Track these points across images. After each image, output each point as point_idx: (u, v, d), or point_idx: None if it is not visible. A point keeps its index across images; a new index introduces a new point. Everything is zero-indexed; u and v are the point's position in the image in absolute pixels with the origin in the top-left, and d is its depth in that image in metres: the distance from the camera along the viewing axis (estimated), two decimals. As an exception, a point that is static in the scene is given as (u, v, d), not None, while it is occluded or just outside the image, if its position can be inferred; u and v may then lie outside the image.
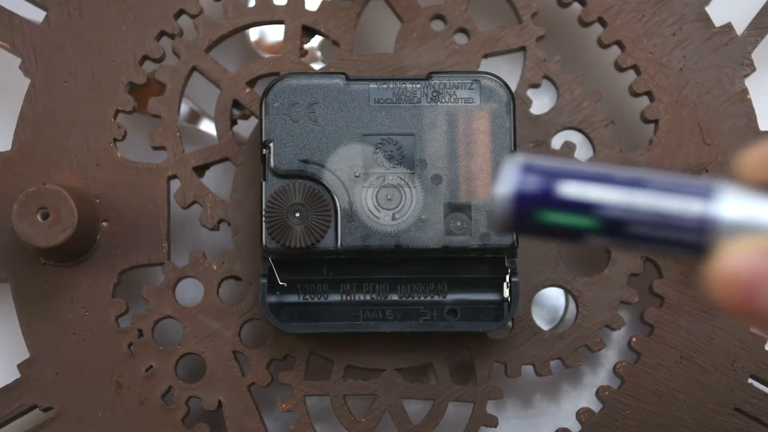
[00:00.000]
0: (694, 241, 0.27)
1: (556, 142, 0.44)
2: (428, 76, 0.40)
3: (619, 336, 0.47)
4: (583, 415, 0.43)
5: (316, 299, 0.42)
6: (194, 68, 0.44)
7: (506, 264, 0.41)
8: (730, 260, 0.25)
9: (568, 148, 0.44)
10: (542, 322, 0.45)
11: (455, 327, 0.41)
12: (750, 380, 0.43)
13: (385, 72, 0.44)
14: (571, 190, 0.29)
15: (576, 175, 0.28)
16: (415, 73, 0.44)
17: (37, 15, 0.45)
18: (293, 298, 0.41)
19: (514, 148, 0.40)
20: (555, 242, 0.34)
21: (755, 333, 0.42)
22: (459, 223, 0.40)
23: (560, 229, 0.29)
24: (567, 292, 0.44)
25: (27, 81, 0.44)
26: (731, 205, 0.27)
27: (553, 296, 0.47)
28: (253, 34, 0.50)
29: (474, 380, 0.43)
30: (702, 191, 0.27)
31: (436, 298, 0.42)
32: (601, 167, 0.28)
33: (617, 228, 0.29)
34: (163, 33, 0.44)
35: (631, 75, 0.44)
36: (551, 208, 0.29)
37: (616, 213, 0.28)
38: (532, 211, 0.29)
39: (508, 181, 0.29)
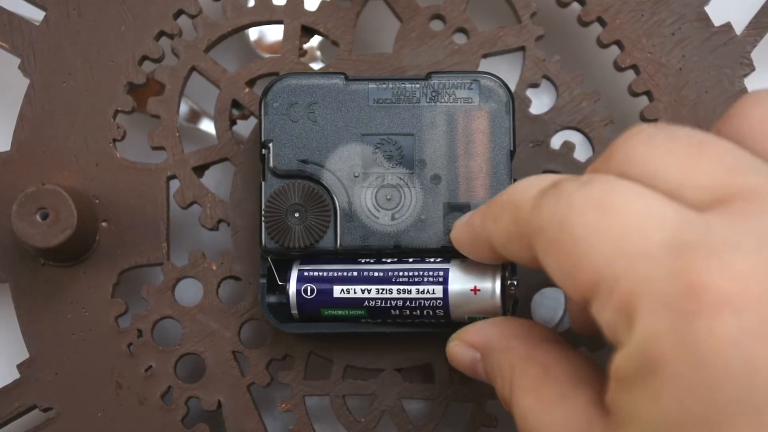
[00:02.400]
0: (441, 313, 0.39)
1: (556, 141, 0.44)
2: (427, 76, 0.40)
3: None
4: (582, 414, 0.43)
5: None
6: (193, 68, 0.44)
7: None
8: (453, 351, 0.37)
9: (568, 147, 0.44)
10: (542, 322, 0.45)
11: (455, 328, 0.40)
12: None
13: (385, 72, 0.44)
14: (340, 292, 0.39)
15: (341, 280, 0.39)
16: (414, 73, 0.44)
17: (36, 15, 0.45)
18: (293, 298, 0.41)
19: (514, 148, 0.40)
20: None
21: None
22: (458, 223, 0.40)
23: (341, 318, 0.40)
24: (566, 291, 0.44)
25: (26, 81, 0.44)
26: (456, 284, 0.39)
27: (553, 296, 0.47)
28: (253, 33, 0.50)
29: (474, 380, 0.43)
30: (439, 278, 0.39)
31: (435, 298, 0.42)
32: (360, 267, 0.39)
33: (383, 313, 0.39)
34: (162, 33, 0.44)
35: (630, 75, 0.44)
36: (329, 306, 0.40)
37: (378, 303, 0.39)
38: (317, 309, 0.40)
39: (291, 287, 0.40)
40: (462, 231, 0.36)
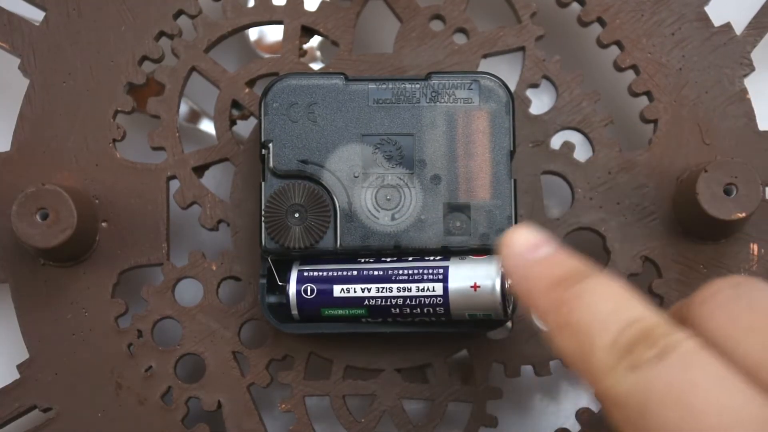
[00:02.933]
0: (441, 311, 0.39)
1: (555, 142, 0.44)
2: (427, 77, 0.40)
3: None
4: (582, 414, 0.43)
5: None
6: (193, 68, 0.44)
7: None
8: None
9: (568, 148, 0.44)
10: (542, 323, 0.44)
11: (455, 327, 0.41)
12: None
13: (384, 72, 0.44)
14: (340, 292, 0.39)
15: (341, 279, 0.39)
16: (414, 73, 0.44)
17: (36, 15, 0.45)
18: (293, 299, 0.41)
19: (513, 149, 0.40)
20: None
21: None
22: (458, 223, 0.40)
23: (341, 318, 0.40)
24: (566, 292, 0.44)
25: (26, 81, 0.44)
26: (456, 281, 0.39)
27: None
28: (253, 33, 0.50)
29: (473, 380, 0.43)
30: (438, 275, 0.39)
31: (435, 298, 0.42)
32: (359, 267, 0.40)
33: (383, 312, 0.40)
34: (162, 33, 0.44)
35: (630, 75, 0.44)
36: (329, 306, 0.40)
37: (378, 302, 0.39)
38: (317, 309, 0.40)
39: (291, 287, 0.40)
40: (524, 284, 0.32)
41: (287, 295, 0.40)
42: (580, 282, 0.30)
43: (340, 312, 0.40)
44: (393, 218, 0.40)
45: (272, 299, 0.41)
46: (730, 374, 0.27)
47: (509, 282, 0.37)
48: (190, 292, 0.44)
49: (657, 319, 0.29)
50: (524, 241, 0.32)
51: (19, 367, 0.43)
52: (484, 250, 0.40)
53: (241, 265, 0.43)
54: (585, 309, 0.30)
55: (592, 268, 0.31)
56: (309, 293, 0.40)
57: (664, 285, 0.43)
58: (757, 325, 0.28)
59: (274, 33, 0.49)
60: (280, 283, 0.40)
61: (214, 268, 0.44)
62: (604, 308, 0.29)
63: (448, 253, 0.40)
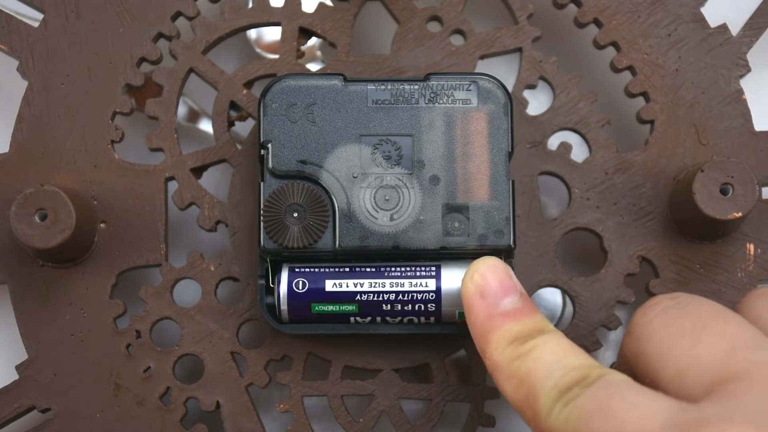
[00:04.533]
0: (432, 308, 0.39)
1: (553, 142, 0.44)
2: (426, 78, 0.41)
3: (615, 336, 0.47)
4: (580, 414, 0.43)
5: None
6: (191, 70, 0.44)
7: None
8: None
9: (565, 148, 0.44)
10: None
11: (453, 328, 0.41)
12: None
13: (382, 73, 0.44)
14: (332, 286, 0.39)
15: (334, 275, 0.40)
16: (411, 74, 0.44)
17: (35, 16, 0.45)
18: (291, 299, 0.41)
19: (512, 149, 0.40)
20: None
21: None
22: (457, 224, 0.40)
23: (331, 315, 0.40)
24: (564, 292, 0.44)
25: (24, 83, 0.44)
26: (448, 279, 0.39)
27: (551, 296, 0.47)
28: (251, 32, 0.50)
29: (471, 380, 0.43)
30: (432, 273, 0.40)
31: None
32: (352, 264, 0.40)
33: (374, 308, 0.40)
34: (160, 35, 0.44)
35: (626, 76, 0.44)
36: (320, 301, 0.40)
37: (370, 297, 0.39)
38: (307, 305, 0.40)
39: (283, 283, 0.40)
40: (478, 318, 0.36)
41: (278, 291, 0.40)
42: (534, 338, 0.34)
43: (331, 308, 0.40)
44: (392, 219, 0.40)
45: (271, 300, 0.41)
46: (646, 390, 0.30)
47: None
48: (188, 292, 0.45)
49: (595, 366, 0.32)
50: (498, 283, 0.37)
51: (18, 367, 0.43)
52: (481, 251, 0.40)
53: (240, 266, 0.44)
54: (533, 361, 0.33)
55: (547, 323, 0.35)
56: (300, 287, 0.40)
57: (661, 285, 0.43)
58: (686, 330, 0.31)
59: (272, 32, 0.49)
60: (271, 285, 0.40)
61: (212, 268, 0.44)
62: (550, 359, 0.33)
63: (447, 255, 0.40)
